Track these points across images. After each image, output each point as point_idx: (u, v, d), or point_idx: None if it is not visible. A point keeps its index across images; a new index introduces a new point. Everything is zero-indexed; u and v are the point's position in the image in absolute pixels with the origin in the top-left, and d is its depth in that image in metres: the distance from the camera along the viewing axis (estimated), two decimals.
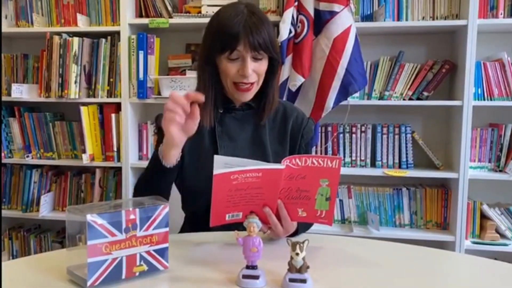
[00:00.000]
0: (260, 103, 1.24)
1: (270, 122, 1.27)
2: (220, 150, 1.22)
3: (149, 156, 2.36)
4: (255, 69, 1.15)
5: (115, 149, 2.32)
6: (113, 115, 2.32)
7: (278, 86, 1.28)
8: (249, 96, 1.20)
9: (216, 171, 0.89)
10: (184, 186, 1.25)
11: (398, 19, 2.15)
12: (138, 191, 1.21)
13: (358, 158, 2.21)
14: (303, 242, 0.80)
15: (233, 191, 0.93)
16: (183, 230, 1.34)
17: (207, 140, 1.24)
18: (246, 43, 1.11)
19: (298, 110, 1.33)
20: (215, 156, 0.94)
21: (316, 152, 2.24)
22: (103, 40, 2.32)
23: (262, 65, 1.17)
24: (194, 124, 1.04)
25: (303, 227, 1.15)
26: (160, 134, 1.28)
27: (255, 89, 1.19)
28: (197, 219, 1.24)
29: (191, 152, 1.23)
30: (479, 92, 2.07)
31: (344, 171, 2.14)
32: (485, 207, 2.11)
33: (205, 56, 1.18)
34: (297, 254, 0.80)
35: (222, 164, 0.93)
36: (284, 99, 2.03)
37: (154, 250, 0.87)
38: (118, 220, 0.82)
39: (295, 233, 1.11)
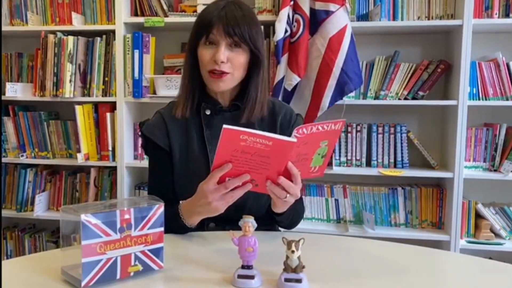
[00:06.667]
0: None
1: (259, 120, 1.25)
2: (211, 153, 1.20)
3: (145, 156, 2.35)
4: (230, 58, 1.14)
5: (110, 148, 2.31)
6: (108, 114, 2.31)
7: (265, 84, 1.23)
8: (222, 85, 1.16)
9: (226, 126, 0.85)
10: (176, 192, 1.23)
11: (394, 18, 2.15)
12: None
13: (354, 158, 2.21)
14: (298, 241, 0.80)
15: (238, 152, 0.89)
16: None
17: (196, 145, 1.23)
18: (220, 27, 1.12)
19: (286, 107, 1.31)
20: (224, 126, 0.86)
21: None
22: (98, 39, 2.31)
23: (239, 57, 1.15)
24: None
25: (295, 211, 1.17)
26: (146, 144, 1.26)
27: (229, 80, 1.16)
28: None
29: (181, 159, 1.22)
30: (474, 92, 2.08)
31: (339, 170, 2.15)
32: (480, 206, 2.11)
33: (188, 48, 1.20)
34: (293, 252, 0.79)
35: None
36: (280, 98, 2.03)
37: (149, 250, 0.87)
38: (112, 219, 0.81)
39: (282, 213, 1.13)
